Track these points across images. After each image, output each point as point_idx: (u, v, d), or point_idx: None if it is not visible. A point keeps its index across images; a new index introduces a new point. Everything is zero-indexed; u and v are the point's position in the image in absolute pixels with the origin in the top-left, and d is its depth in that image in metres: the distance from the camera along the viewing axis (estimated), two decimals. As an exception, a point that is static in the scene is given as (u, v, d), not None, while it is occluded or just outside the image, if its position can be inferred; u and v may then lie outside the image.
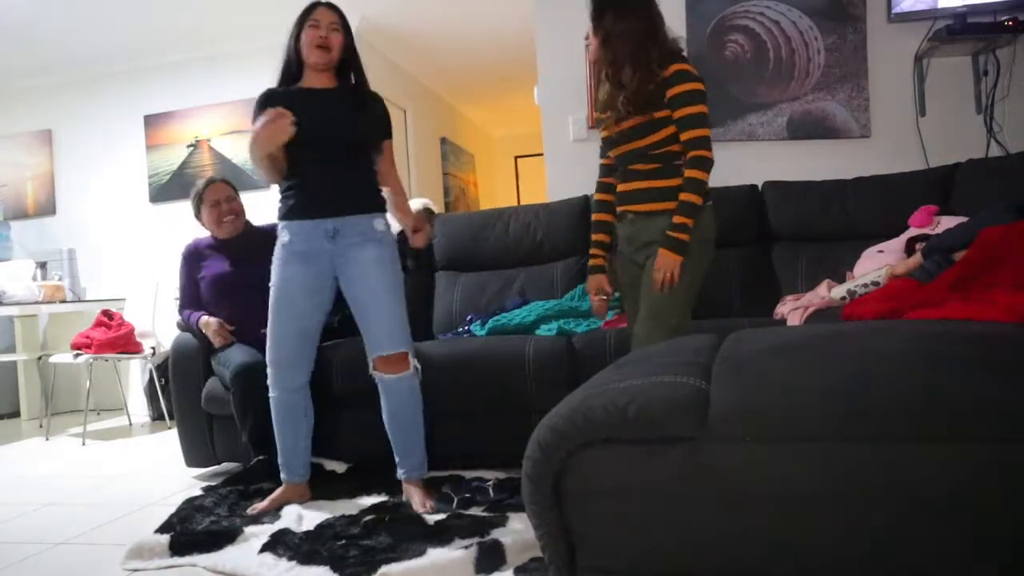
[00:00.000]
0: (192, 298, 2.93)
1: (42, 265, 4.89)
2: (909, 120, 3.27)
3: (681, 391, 1.19)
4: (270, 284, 2.31)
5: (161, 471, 3.08)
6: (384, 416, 2.31)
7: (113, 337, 3.98)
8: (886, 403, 1.10)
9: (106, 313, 4.18)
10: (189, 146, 5.00)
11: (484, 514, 2.09)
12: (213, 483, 2.66)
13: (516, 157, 8.70)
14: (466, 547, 1.80)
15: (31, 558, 2.06)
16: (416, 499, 2.22)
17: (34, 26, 4.45)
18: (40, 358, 4.70)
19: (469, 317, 3.08)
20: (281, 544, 1.94)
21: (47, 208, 5.33)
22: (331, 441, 2.65)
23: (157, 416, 4.41)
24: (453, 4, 4.67)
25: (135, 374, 4.90)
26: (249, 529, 2.08)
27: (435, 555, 1.79)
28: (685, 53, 2.19)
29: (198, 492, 2.51)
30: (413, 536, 1.92)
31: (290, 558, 1.85)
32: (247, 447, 2.64)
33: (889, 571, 1.08)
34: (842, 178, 3.03)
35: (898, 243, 2.55)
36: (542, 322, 2.80)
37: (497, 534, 1.87)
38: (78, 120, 5.24)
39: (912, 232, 2.58)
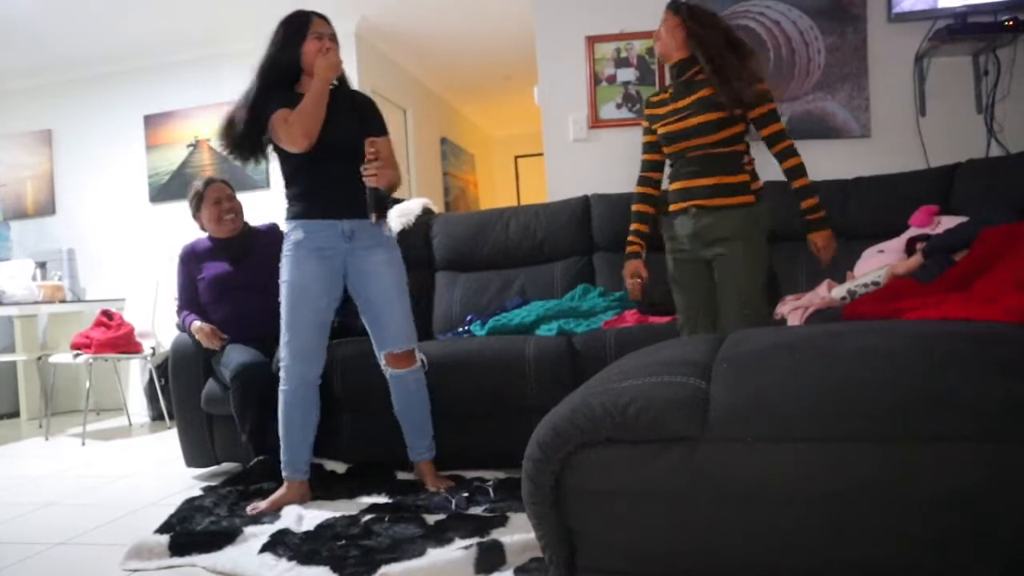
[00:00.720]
0: (190, 299, 2.93)
1: (42, 265, 4.89)
2: (909, 120, 3.27)
3: (681, 391, 1.19)
4: (281, 281, 2.36)
5: (161, 471, 3.08)
6: (394, 404, 2.44)
7: (113, 337, 3.98)
8: (886, 403, 1.10)
9: (106, 313, 4.17)
10: (189, 146, 5.00)
11: (484, 514, 2.09)
12: (213, 483, 2.66)
13: (516, 157, 8.70)
14: (466, 547, 1.79)
15: (31, 558, 2.06)
16: (429, 479, 2.40)
17: (34, 26, 4.45)
18: (40, 358, 4.69)
19: (469, 317, 3.08)
20: (281, 544, 1.94)
21: (47, 208, 5.33)
22: (331, 441, 2.65)
23: (157, 416, 4.41)
24: (453, 4, 4.67)
25: (135, 374, 4.90)
26: (249, 529, 2.08)
27: (435, 555, 1.79)
28: None
29: (198, 492, 2.51)
30: (413, 536, 1.92)
31: (290, 558, 1.85)
32: (247, 447, 2.64)
33: (889, 571, 1.08)
34: (842, 178, 3.03)
35: (898, 243, 2.55)
36: (542, 322, 2.80)
37: (497, 534, 1.87)
38: (78, 120, 5.24)
39: (912, 232, 2.58)
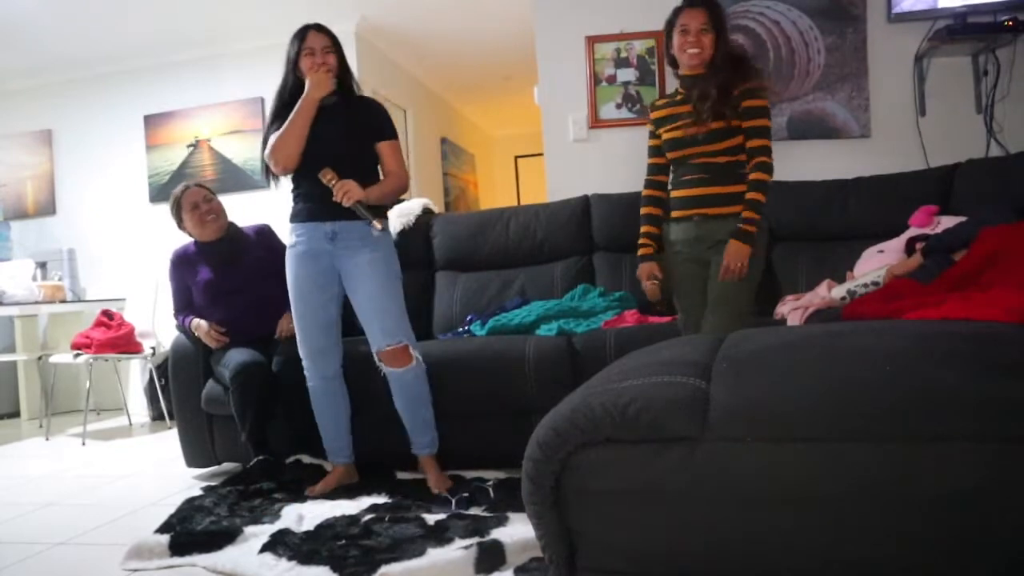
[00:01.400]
0: (185, 301, 2.93)
1: (42, 265, 4.89)
2: (909, 120, 3.27)
3: (681, 391, 1.19)
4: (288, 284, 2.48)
5: (161, 471, 3.08)
6: (395, 400, 2.45)
7: (113, 337, 3.98)
8: (886, 403, 1.10)
9: (106, 313, 4.18)
10: (189, 146, 5.00)
11: (484, 514, 2.09)
12: (213, 483, 2.66)
13: (516, 157, 8.70)
14: (466, 547, 1.80)
15: (31, 558, 2.06)
16: (432, 478, 2.41)
17: (34, 26, 4.45)
18: (40, 358, 4.69)
19: (469, 317, 3.08)
20: (281, 544, 1.94)
21: (47, 208, 5.33)
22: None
23: (157, 416, 4.41)
24: (453, 4, 4.67)
25: (135, 374, 4.90)
26: (249, 529, 2.08)
27: (435, 555, 1.79)
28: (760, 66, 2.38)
29: (198, 492, 2.51)
30: (413, 536, 1.92)
31: (290, 558, 1.85)
32: (247, 447, 2.64)
33: (889, 571, 1.08)
34: (842, 178, 3.03)
35: (898, 243, 2.55)
36: (542, 322, 2.80)
37: (497, 534, 1.87)
38: (78, 120, 5.23)
39: (912, 232, 2.58)
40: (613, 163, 3.52)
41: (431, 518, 2.06)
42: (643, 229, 2.49)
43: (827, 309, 2.30)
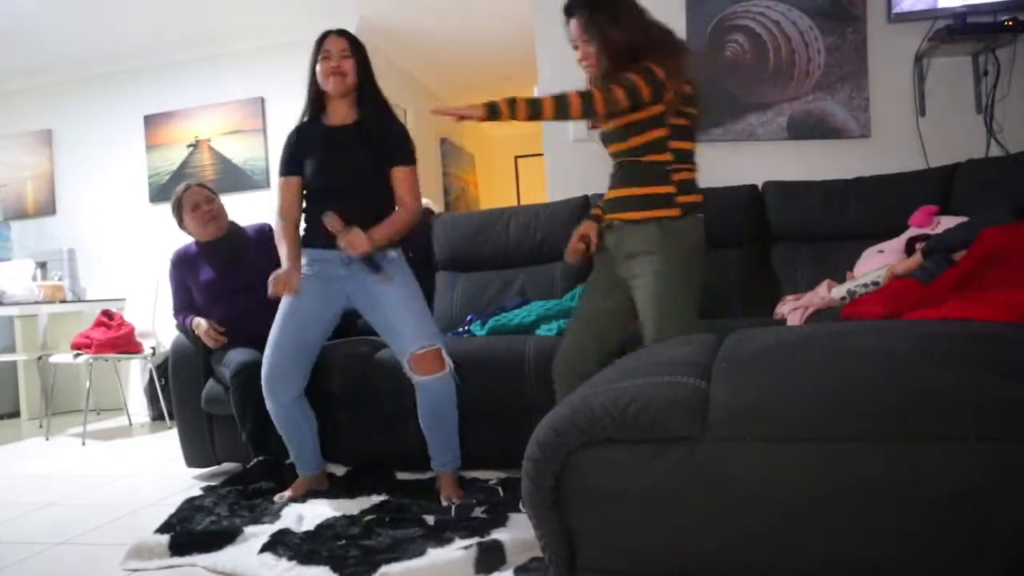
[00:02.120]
0: (185, 302, 2.93)
1: (42, 265, 4.89)
2: (909, 120, 3.27)
3: (681, 391, 1.19)
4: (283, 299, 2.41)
5: (161, 471, 3.08)
6: (419, 413, 2.36)
7: (113, 337, 3.98)
8: (886, 403, 1.10)
9: (106, 313, 4.18)
10: (189, 146, 5.00)
11: (484, 514, 2.09)
12: (213, 483, 2.66)
13: (516, 157, 8.69)
14: (466, 547, 1.80)
15: (31, 558, 2.06)
16: (444, 491, 2.32)
17: (34, 26, 4.45)
18: (40, 358, 4.70)
19: (469, 317, 3.08)
20: (281, 544, 1.94)
21: (47, 208, 5.33)
22: (331, 442, 2.65)
23: (157, 416, 4.41)
24: (453, 4, 4.67)
25: (135, 374, 4.90)
26: (249, 529, 2.08)
27: (435, 555, 1.79)
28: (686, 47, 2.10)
29: (198, 492, 2.51)
30: (413, 536, 1.92)
31: (290, 558, 1.85)
32: (247, 447, 2.64)
33: (889, 571, 1.08)
34: (842, 178, 3.03)
35: (898, 243, 2.55)
36: (542, 322, 2.80)
37: (497, 534, 1.88)
38: (78, 120, 5.24)
39: (912, 232, 2.58)
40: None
41: (431, 518, 2.06)
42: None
43: (827, 309, 2.30)
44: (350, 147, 2.34)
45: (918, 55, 3.24)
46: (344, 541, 1.94)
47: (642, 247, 1.98)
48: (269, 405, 2.38)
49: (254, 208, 3.87)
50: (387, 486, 2.43)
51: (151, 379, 4.41)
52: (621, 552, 1.20)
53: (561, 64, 3.63)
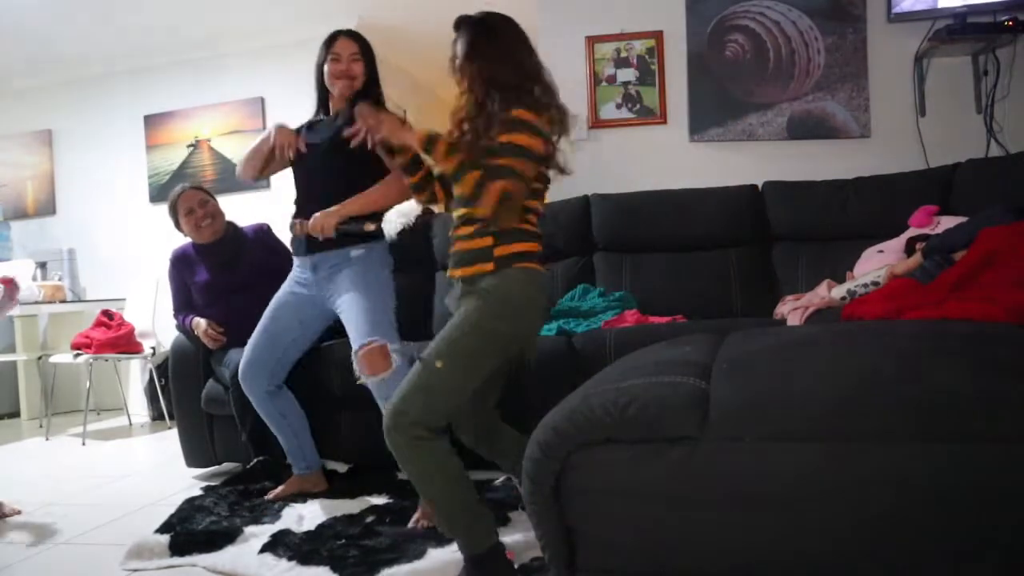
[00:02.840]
0: (184, 301, 2.93)
1: (42, 265, 4.89)
2: (909, 120, 3.27)
3: (681, 391, 1.19)
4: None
5: (161, 471, 3.08)
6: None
7: (113, 337, 3.98)
8: (886, 403, 1.10)
9: (106, 313, 4.18)
10: (189, 146, 5.00)
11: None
12: (213, 483, 2.66)
13: (516, 157, 8.68)
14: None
15: (31, 558, 2.06)
16: (418, 513, 2.09)
17: (34, 26, 4.45)
18: (40, 358, 4.69)
19: (469, 317, 3.07)
20: (281, 544, 1.94)
21: (47, 208, 5.33)
22: (331, 441, 2.65)
23: (157, 416, 4.41)
24: (453, 4, 4.66)
25: (135, 374, 4.90)
26: (249, 529, 2.08)
27: (435, 555, 1.79)
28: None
29: (198, 492, 2.51)
30: (413, 536, 1.93)
31: (290, 558, 1.85)
32: (247, 447, 2.64)
33: (889, 570, 1.08)
34: (842, 178, 3.03)
35: (898, 243, 2.55)
36: (542, 322, 2.80)
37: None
38: (78, 120, 5.23)
39: (912, 232, 2.58)
40: (613, 163, 3.52)
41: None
42: None
43: (827, 309, 2.30)
44: (325, 144, 2.29)
45: (918, 55, 3.24)
46: (344, 541, 1.94)
47: (460, 298, 1.75)
48: (249, 396, 2.43)
49: (254, 208, 3.86)
50: (387, 486, 2.42)
51: (151, 379, 4.40)
52: (621, 551, 1.20)
53: (562, 65, 3.64)
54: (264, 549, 1.92)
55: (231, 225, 2.98)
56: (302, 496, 2.39)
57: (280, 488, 2.44)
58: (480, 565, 1.63)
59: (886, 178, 2.95)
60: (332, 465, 2.64)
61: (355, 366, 2.17)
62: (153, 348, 4.16)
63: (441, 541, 1.86)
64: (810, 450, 1.11)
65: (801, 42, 3.35)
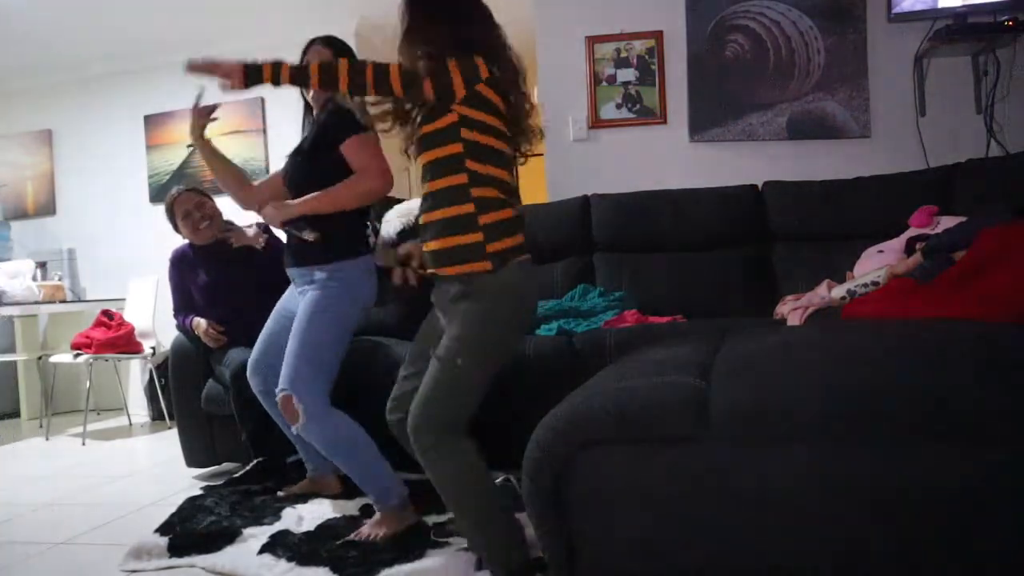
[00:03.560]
0: (184, 301, 2.93)
1: (42, 265, 4.89)
2: (909, 120, 3.27)
3: (681, 391, 1.19)
4: None
5: (161, 471, 3.08)
6: None
7: (113, 337, 3.98)
8: (886, 403, 1.10)
9: (106, 313, 4.17)
10: (189, 146, 4.97)
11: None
12: (214, 483, 2.66)
13: (516, 157, 8.69)
14: (466, 548, 1.79)
15: (31, 558, 2.06)
16: (370, 524, 2.01)
17: (34, 26, 4.45)
18: (40, 358, 4.69)
19: (469, 317, 3.07)
20: (281, 544, 1.94)
21: (47, 208, 5.33)
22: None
23: (157, 416, 4.41)
24: (453, 4, 4.66)
25: (135, 374, 4.90)
26: (248, 530, 2.08)
27: (435, 556, 1.79)
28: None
29: (199, 492, 2.51)
30: (413, 536, 1.92)
31: (289, 559, 1.85)
32: (247, 447, 2.64)
33: (889, 570, 1.08)
34: (842, 178, 3.03)
35: (898, 243, 2.55)
36: (542, 322, 2.80)
37: (497, 534, 1.87)
38: (78, 120, 5.23)
39: (912, 232, 2.58)
40: (613, 163, 3.52)
41: (431, 519, 2.06)
42: None
43: (827, 309, 2.30)
44: (294, 157, 2.26)
45: (918, 55, 3.24)
46: (344, 541, 1.94)
47: (448, 304, 1.69)
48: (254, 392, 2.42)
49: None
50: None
51: (151, 379, 4.40)
52: (621, 552, 1.20)
53: (562, 65, 3.64)
54: (263, 550, 1.92)
55: (229, 225, 2.98)
56: (304, 497, 2.38)
57: (295, 487, 2.44)
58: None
59: (886, 178, 2.95)
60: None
61: None
62: (153, 348, 4.16)
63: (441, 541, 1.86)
64: (810, 450, 1.11)
65: (801, 42, 3.35)
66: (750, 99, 3.40)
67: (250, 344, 2.71)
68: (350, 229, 2.18)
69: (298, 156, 2.25)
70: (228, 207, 3.10)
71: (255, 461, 2.62)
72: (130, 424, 4.43)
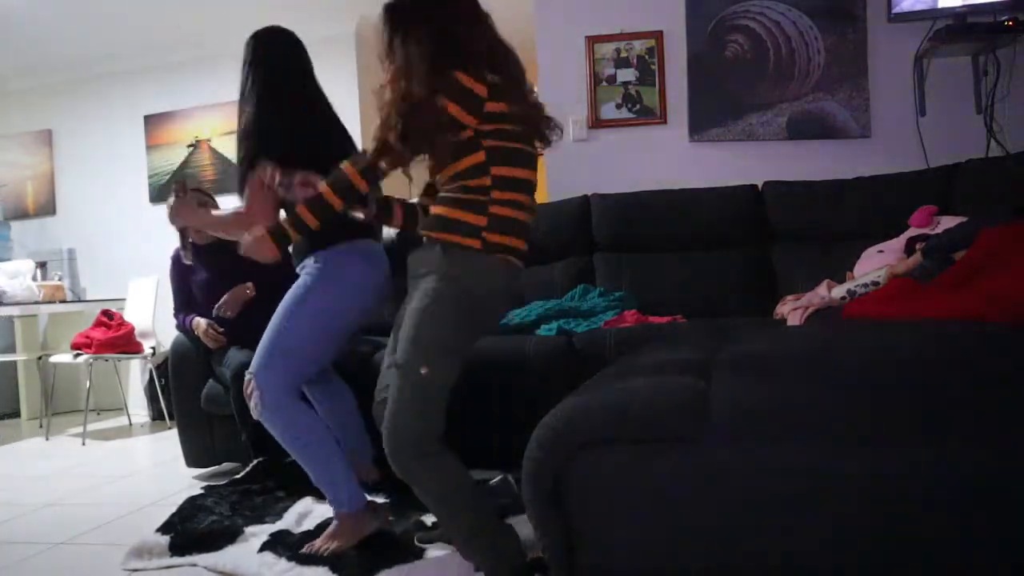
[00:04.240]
0: (185, 301, 2.93)
1: (42, 265, 4.89)
2: (909, 120, 3.27)
3: (681, 391, 1.19)
4: None
5: (161, 471, 3.08)
6: None
7: (113, 337, 3.98)
8: (886, 403, 1.10)
9: (106, 313, 4.18)
10: (189, 146, 5.00)
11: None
12: (214, 483, 2.66)
13: (516, 157, 8.68)
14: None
15: (31, 558, 2.06)
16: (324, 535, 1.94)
17: (34, 26, 4.45)
18: (40, 358, 4.69)
19: (469, 317, 3.07)
20: (281, 544, 1.95)
21: (47, 208, 5.33)
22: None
23: (157, 416, 4.41)
24: (453, 4, 4.65)
25: (135, 374, 4.90)
26: (249, 529, 2.09)
27: (435, 556, 1.79)
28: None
29: (199, 491, 2.51)
30: (412, 536, 1.92)
31: (289, 558, 1.85)
32: (247, 447, 2.64)
33: (889, 570, 1.08)
34: (842, 178, 3.03)
35: (898, 243, 2.55)
36: (542, 322, 2.80)
37: (497, 534, 1.87)
38: (78, 120, 5.24)
39: (912, 232, 2.58)
40: (613, 163, 3.52)
41: (431, 519, 2.06)
42: None
43: (827, 309, 2.30)
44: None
45: (918, 55, 3.24)
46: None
47: (424, 269, 1.68)
48: None
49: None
50: (387, 486, 2.42)
51: (151, 379, 4.41)
52: (621, 552, 1.20)
53: (561, 65, 3.64)
54: (264, 549, 1.92)
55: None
56: (302, 496, 2.38)
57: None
58: None
59: (886, 178, 2.95)
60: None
61: None
62: (153, 348, 4.16)
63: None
64: (810, 450, 1.11)
65: (801, 42, 3.35)
66: (750, 99, 3.40)
67: (250, 344, 2.71)
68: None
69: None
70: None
71: (255, 461, 2.62)
72: (130, 424, 4.43)
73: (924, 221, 2.60)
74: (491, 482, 2.37)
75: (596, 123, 3.55)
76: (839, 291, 2.36)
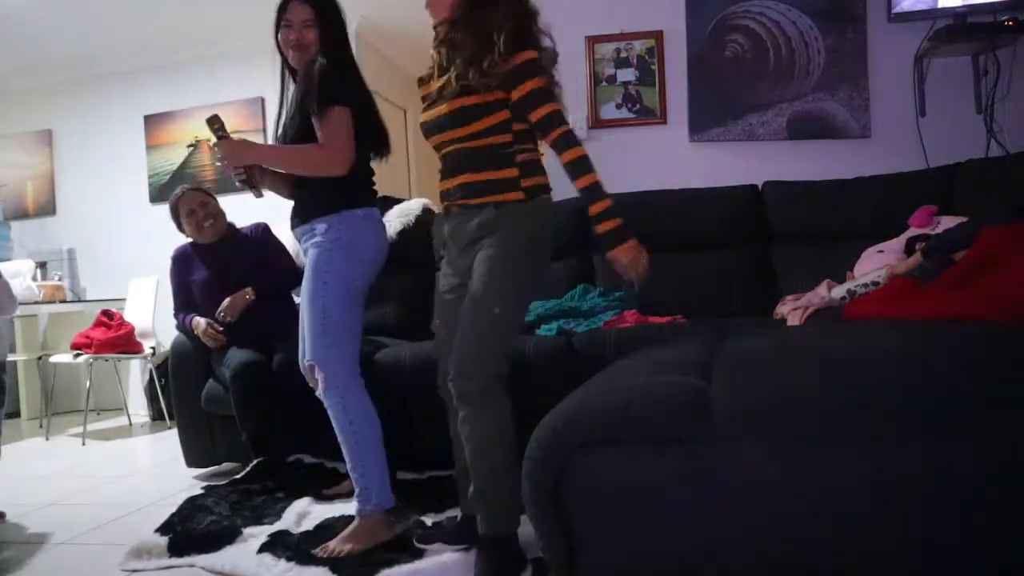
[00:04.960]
0: (185, 301, 2.93)
1: (42, 265, 4.89)
2: (909, 120, 3.26)
3: (681, 391, 1.19)
4: None
5: (161, 471, 3.08)
6: None
7: (113, 337, 3.98)
8: (886, 403, 1.10)
9: (106, 313, 4.17)
10: (189, 146, 5.00)
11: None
12: (214, 483, 2.66)
13: (516, 157, 8.68)
14: (465, 548, 1.80)
15: (31, 558, 2.06)
16: (339, 538, 1.91)
17: (34, 26, 4.45)
18: (40, 358, 4.69)
19: (469, 317, 3.07)
20: (280, 544, 1.94)
21: (47, 208, 5.33)
22: (331, 441, 2.64)
23: (157, 416, 4.41)
24: (453, 4, 4.66)
25: (135, 374, 4.90)
26: (248, 530, 2.08)
27: (435, 556, 1.79)
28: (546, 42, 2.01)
29: (199, 491, 2.51)
30: (412, 536, 1.92)
31: (289, 559, 1.85)
32: (247, 447, 2.64)
33: (889, 568, 1.08)
34: (842, 178, 3.03)
35: (898, 243, 2.55)
36: (542, 322, 2.80)
37: (497, 534, 1.87)
38: (78, 120, 5.23)
39: (912, 232, 2.58)
40: (613, 163, 3.51)
41: (431, 519, 2.06)
42: None
43: (827, 309, 2.30)
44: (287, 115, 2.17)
45: (918, 55, 3.23)
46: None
47: (479, 233, 1.76)
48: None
49: (253, 209, 3.86)
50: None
51: (151, 379, 4.40)
52: (621, 552, 1.20)
53: (562, 65, 3.62)
54: (263, 549, 1.92)
55: (231, 226, 2.98)
56: (303, 496, 2.37)
57: (338, 487, 2.36)
58: (504, 547, 1.65)
59: (886, 178, 2.95)
60: (333, 465, 2.64)
61: None
62: (153, 348, 4.16)
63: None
64: (810, 450, 1.11)
65: (801, 42, 3.35)
66: (750, 99, 3.40)
67: (250, 344, 2.72)
68: (355, 178, 2.06)
69: (293, 117, 2.12)
70: (230, 207, 3.10)
71: (255, 461, 2.62)
72: (130, 424, 4.43)
73: (924, 221, 2.60)
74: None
75: (596, 123, 3.55)
76: (839, 291, 2.37)
